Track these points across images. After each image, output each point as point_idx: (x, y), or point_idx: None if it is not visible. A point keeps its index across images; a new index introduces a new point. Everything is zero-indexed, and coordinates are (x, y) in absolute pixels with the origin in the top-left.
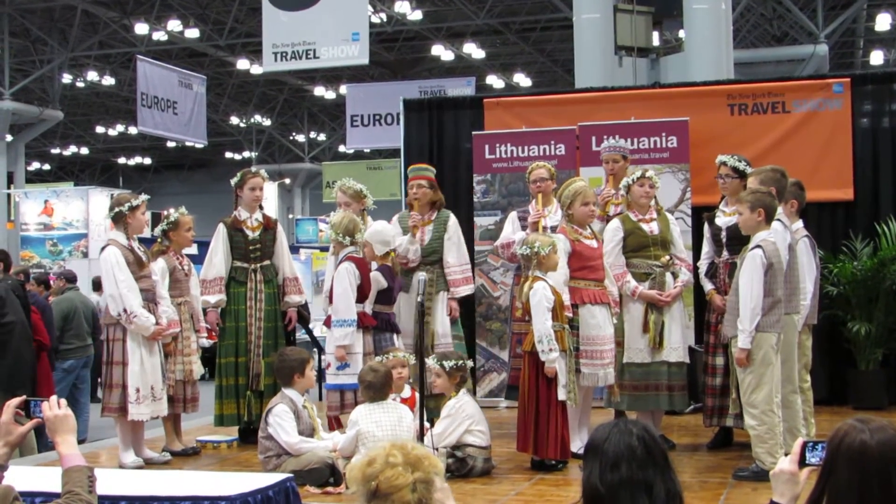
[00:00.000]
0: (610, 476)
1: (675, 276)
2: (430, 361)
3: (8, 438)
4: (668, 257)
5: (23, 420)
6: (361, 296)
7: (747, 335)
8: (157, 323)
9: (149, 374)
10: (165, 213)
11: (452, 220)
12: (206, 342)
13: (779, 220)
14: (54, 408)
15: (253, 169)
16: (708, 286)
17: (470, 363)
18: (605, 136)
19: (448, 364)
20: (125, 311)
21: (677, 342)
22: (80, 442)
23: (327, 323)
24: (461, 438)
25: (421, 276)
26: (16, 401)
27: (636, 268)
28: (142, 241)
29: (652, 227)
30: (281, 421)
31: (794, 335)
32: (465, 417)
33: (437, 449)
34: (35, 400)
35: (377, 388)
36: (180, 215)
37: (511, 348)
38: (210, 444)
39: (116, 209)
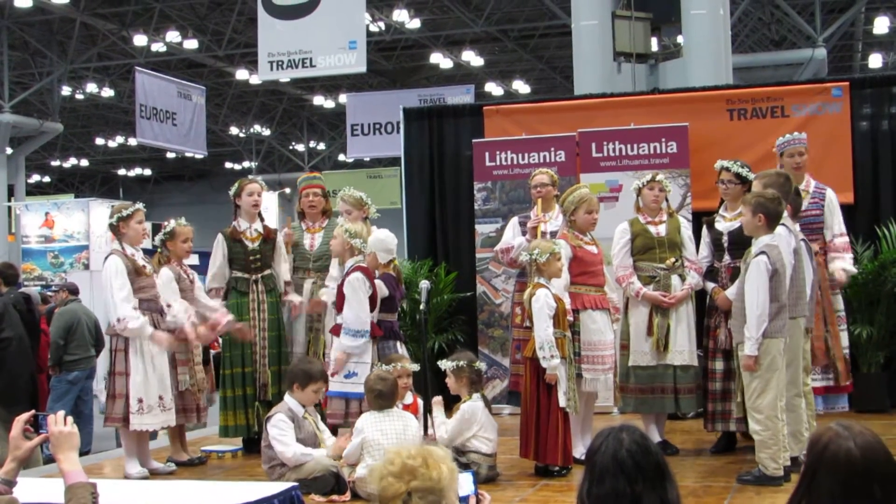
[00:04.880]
0: (596, 490)
1: (682, 278)
2: (441, 363)
3: (16, 453)
4: (673, 259)
5: (31, 435)
6: (370, 305)
7: (754, 342)
8: (167, 330)
9: (153, 384)
10: (166, 223)
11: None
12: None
13: (783, 224)
14: (60, 423)
15: (249, 177)
16: (711, 285)
17: (482, 365)
18: (606, 141)
19: (450, 365)
20: (118, 319)
21: (683, 345)
22: (85, 453)
23: (335, 331)
24: (467, 443)
25: (424, 284)
26: (25, 416)
27: (642, 270)
28: (144, 251)
29: (659, 230)
30: (279, 433)
31: (800, 339)
32: (475, 422)
33: None
34: (44, 414)
35: (386, 396)
36: (177, 226)
37: (511, 354)
38: (215, 454)
39: (109, 221)
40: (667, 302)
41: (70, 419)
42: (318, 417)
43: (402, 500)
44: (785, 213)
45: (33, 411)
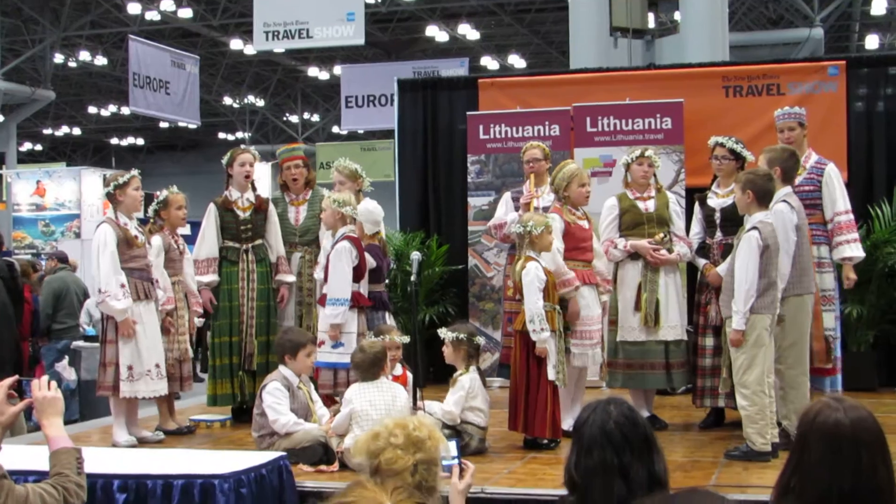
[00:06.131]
0: (584, 462)
1: (670, 253)
2: (441, 331)
3: (0, 419)
4: (661, 235)
5: (15, 401)
6: (357, 275)
7: (741, 316)
8: (159, 302)
9: (144, 352)
10: (158, 193)
11: (326, 196)
12: (198, 321)
13: (785, 201)
14: (43, 389)
15: (242, 146)
16: (702, 261)
17: (481, 340)
18: (601, 116)
19: (450, 336)
20: (100, 290)
21: (675, 320)
22: (73, 422)
23: (322, 301)
24: (462, 415)
25: (416, 255)
26: (8, 381)
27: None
28: (139, 221)
29: (648, 206)
30: (274, 401)
31: (807, 317)
32: (473, 396)
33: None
34: (27, 380)
35: (364, 368)
36: (170, 194)
37: (503, 327)
38: (203, 423)
39: (105, 189)
40: (653, 248)
41: (54, 384)
42: (312, 388)
43: (411, 472)
44: (790, 190)
45: (17, 376)
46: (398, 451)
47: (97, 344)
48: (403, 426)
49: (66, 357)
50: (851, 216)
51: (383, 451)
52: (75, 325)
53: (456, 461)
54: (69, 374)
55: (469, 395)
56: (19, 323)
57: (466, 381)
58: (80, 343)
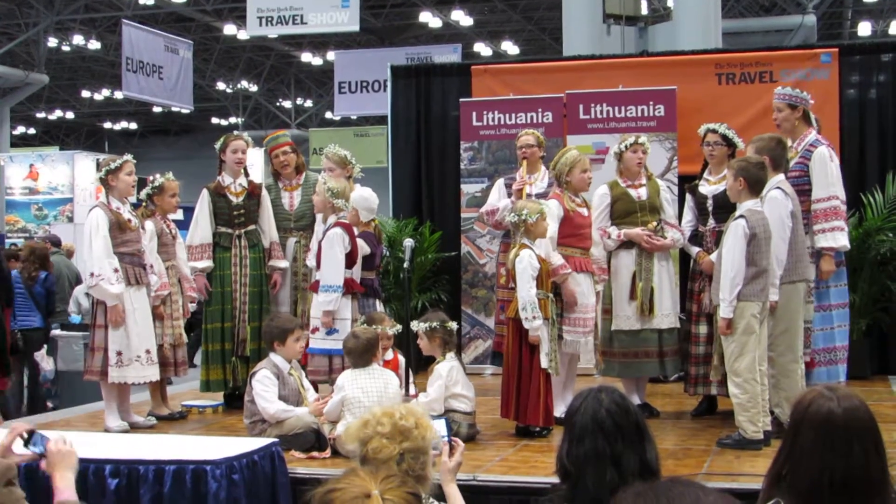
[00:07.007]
0: (576, 450)
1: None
2: (413, 324)
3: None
4: (654, 224)
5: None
6: (350, 262)
7: (728, 304)
8: (152, 288)
9: (134, 338)
10: (152, 178)
11: (321, 180)
12: (192, 305)
13: (779, 188)
14: (59, 444)
15: (235, 132)
16: (695, 249)
17: (454, 325)
18: (594, 103)
19: (423, 326)
20: (91, 274)
21: (668, 308)
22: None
23: (314, 287)
24: (446, 404)
25: (408, 242)
26: (21, 427)
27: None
28: (131, 205)
29: (640, 193)
30: (262, 389)
31: (799, 304)
32: (453, 382)
33: None
34: (42, 434)
35: (358, 354)
36: (166, 180)
37: (496, 314)
38: (196, 408)
39: (98, 174)
40: (646, 235)
41: (70, 440)
42: (303, 374)
43: (397, 461)
44: (782, 177)
45: (33, 427)
46: (384, 439)
47: (74, 333)
48: (390, 415)
49: (45, 346)
50: (834, 202)
51: (370, 440)
52: (65, 311)
53: (445, 439)
54: (47, 364)
55: (448, 382)
56: (7, 306)
57: (444, 368)
58: (58, 332)
